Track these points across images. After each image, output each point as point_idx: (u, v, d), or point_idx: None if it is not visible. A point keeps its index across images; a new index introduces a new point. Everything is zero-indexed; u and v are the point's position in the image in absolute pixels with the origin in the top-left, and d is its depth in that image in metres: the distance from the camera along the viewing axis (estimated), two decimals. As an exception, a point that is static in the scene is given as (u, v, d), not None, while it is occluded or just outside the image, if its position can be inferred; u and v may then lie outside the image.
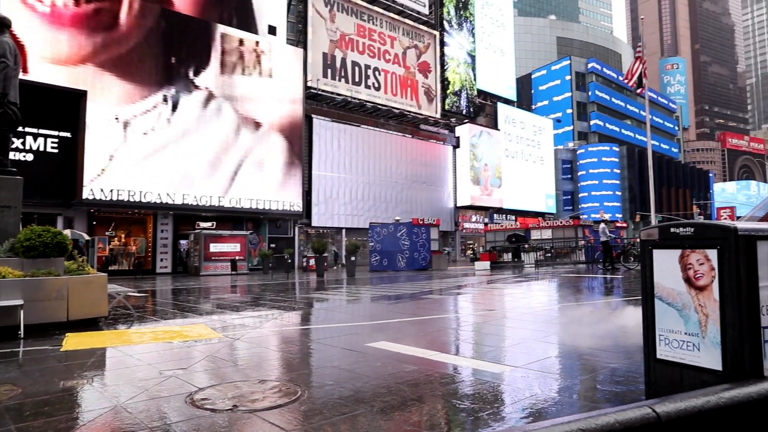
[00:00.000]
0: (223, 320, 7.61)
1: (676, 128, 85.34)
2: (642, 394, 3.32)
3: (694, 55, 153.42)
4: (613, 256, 16.24)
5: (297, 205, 33.02)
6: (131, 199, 26.30)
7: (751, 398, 2.33)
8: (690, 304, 3.02)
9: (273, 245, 32.24)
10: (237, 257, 27.99)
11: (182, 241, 29.92)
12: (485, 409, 3.08)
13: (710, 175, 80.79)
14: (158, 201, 27.33)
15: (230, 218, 31.48)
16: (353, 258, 20.63)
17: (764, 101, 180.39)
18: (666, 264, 3.14)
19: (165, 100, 27.77)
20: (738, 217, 33.24)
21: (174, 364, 4.52)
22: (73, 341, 5.68)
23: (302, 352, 5.27)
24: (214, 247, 27.69)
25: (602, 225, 16.43)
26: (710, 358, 2.91)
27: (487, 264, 23.54)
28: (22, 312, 6.11)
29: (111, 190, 25.57)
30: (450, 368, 4.25)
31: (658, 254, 3.20)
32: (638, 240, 18.50)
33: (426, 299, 10.60)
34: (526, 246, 23.57)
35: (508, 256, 24.73)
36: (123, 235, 29.06)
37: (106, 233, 27.72)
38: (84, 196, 24.81)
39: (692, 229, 3.04)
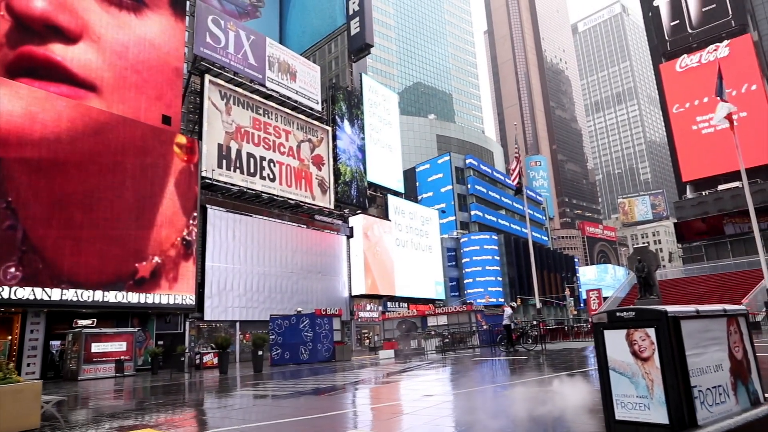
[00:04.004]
0: (168, 422, 7.27)
1: (544, 218, 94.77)
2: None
3: (553, 154, 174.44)
4: (513, 338, 17.50)
5: (189, 299, 31.50)
6: (-2, 297, 23.56)
7: (704, 441, 3.12)
8: (638, 372, 3.81)
9: (161, 342, 30.08)
10: (123, 357, 25.74)
11: (54, 342, 26.93)
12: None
13: (575, 259, 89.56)
14: (31, 297, 24.72)
15: (113, 314, 29.08)
16: (260, 352, 20.02)
17: (610, 195, 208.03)
18: (615, 341, 3.96)
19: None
20: (605, 298, 37.16)
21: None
22: (11, 457, 5.22)
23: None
24: (96, 347, 25.23)
25: (507, 310, 17.70)
26: (659, 415, 3.68)
27: (391, 352, 23.94)
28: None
29: (-28, 288, 22.83)
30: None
31: (608, 334, 4.01)
32: (534, 323, 20.22)
33: (358, 389, 10.74)
34: (433, 333, 24.48)
35: (410, 343, 25.36)
36: (-19, 339, 25.56)
37: (-40, 337, 24.31)
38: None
39: (633, 313, 3.91)
